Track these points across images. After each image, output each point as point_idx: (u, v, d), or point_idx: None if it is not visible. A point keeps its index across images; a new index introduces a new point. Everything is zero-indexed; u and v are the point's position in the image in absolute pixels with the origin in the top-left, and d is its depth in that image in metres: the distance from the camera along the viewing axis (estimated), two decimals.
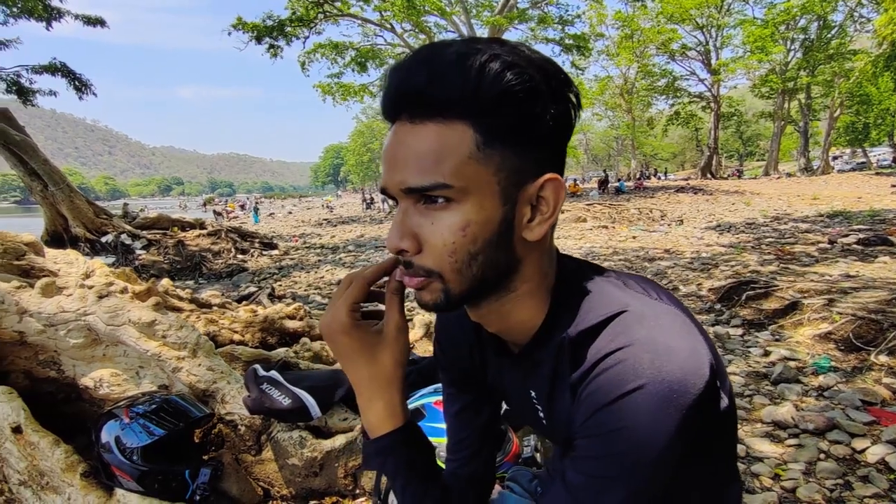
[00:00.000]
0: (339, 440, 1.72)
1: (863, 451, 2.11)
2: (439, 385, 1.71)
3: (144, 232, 11.65)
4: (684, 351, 0.50)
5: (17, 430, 1.59)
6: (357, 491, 1.70)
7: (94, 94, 14.06)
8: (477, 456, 0.83)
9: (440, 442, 0.92)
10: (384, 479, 1.51)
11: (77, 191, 11.37)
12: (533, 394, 0.68)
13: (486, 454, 0.85)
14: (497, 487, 0.97)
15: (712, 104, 33.17)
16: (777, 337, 3.55)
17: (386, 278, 0.65)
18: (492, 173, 0.52)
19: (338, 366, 2.37)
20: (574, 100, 0.55)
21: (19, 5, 12.42)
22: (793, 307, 3.92)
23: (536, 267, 0.60)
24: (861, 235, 7.09)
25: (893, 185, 16.73)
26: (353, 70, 21.43)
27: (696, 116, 36.31)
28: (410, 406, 1.55)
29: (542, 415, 0.68)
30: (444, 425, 1.50)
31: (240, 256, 11.30)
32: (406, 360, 0.66)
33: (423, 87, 0.51)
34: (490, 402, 0.84)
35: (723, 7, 30.49)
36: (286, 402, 1.69)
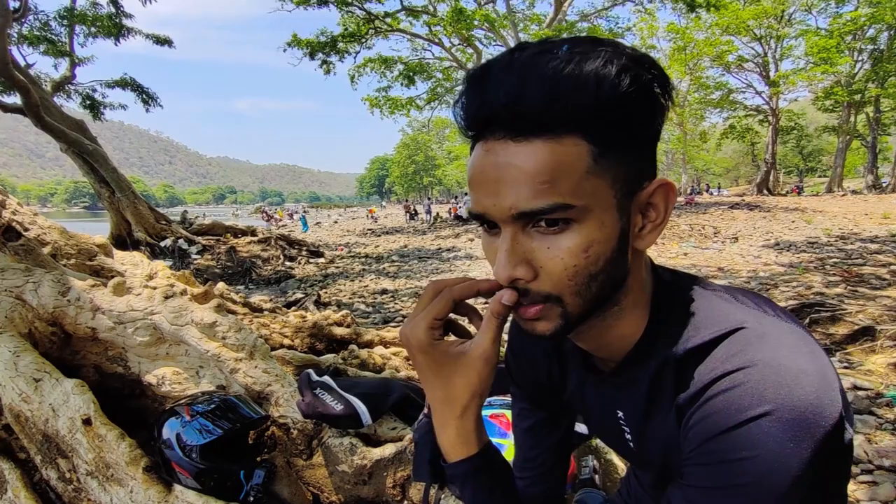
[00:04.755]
0: (388, 449, 1.71)
1: None
2: (493, 398, 1.68)
3: (199, 237, 12.21)
4: (814, 375, 0.46)
5: (87, 422, 1.66)
6: (405, 502, 1.68)
7: (160, 105, 15.01)
8: (548, 475, 0.80)
9: None
10: (433, 491, 1.49)
11: (140, 198, 12.08)
12: (620, 414, 0.64)
13: (557, 473, 0.81)
14: None
15: (770, 117, 31.73)
16: (846, 364, 3.31)
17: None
18: (609, 185, 0.49)
19: (386, 374, 2.38)
20: (669, 94, 0.52)
21: (97, 25, 13.43)
22: (864, 333, 3.66)
23: (638, 277, 0.57)
24: None
25: None
26: (400, 84, 21.85)
27: (753, 130, 34.76)
28: None
29: (629, 437, 0.64)
30: (498, 439, 1.48)
31: (287, 263, 11.63)
32: (485, 392, 0.60)
33: (541, 103, 0.46)
34: (565, 420, 0.80)
35: (783, 18, 29.26)
36: (338, 407, 1.70)
